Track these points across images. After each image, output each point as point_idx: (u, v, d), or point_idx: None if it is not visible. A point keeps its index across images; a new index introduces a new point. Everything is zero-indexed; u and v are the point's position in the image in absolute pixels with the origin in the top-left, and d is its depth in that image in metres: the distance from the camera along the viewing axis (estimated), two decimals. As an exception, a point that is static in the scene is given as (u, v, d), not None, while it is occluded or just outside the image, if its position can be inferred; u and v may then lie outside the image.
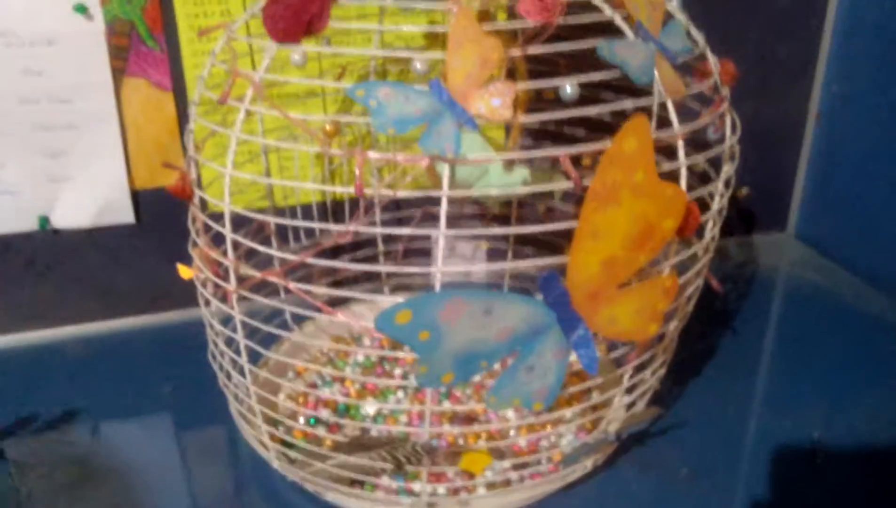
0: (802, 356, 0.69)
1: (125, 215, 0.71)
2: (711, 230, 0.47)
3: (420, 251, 0.75)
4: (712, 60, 0.47)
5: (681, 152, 0.40)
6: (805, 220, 0.90)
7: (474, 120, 0.36)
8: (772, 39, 0.81)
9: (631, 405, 0.53)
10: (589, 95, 0.52)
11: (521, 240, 0.72)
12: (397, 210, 0.74)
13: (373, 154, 0.36)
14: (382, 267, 0.39)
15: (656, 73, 0.39)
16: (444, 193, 0.36)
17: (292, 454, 0.48)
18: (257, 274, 0.41)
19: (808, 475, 0.55)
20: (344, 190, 0.42)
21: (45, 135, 0.67)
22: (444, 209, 0.36)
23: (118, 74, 0.67)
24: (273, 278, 0.41)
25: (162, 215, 0.72)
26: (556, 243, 0.58)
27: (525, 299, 0.37)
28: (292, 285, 0.40)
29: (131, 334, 0.74)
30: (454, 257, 0.79)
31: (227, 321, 0.48)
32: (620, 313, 0.39)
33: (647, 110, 0.43)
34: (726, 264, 0.85)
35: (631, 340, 0.42)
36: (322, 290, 0.40)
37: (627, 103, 0.54)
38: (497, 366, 0.40)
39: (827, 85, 0.84)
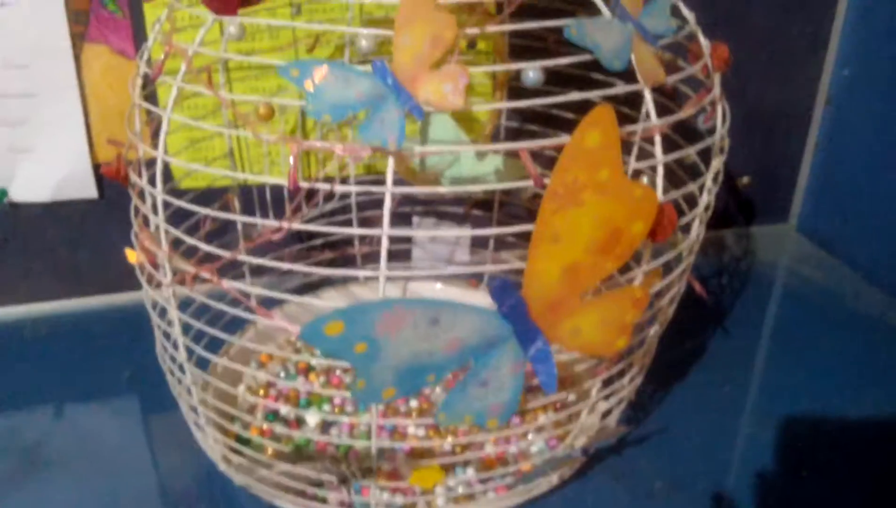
0: (797, 359, 0.64)
1: (87, 189, 0.68)
2: (697, 229, 0.43)
3: (402, 237, 0.71)
4: (704, 44, 0.42)
5: (657, 148, 0.36)
6: (808, 212, 0.85)
7: (421, 108, 0.32)
8: (781, 18, 0.76)
9: (606, 414, 0.49)
10: (578, 74, 0.48)
11: (504, 225, 0.68)
12: (370, 194, 0.69)
13: (308, 143, 0.32)
14: (321, 269, 0.35)
15: (632, 57, 0.35)
16: (388, 189, 0.32)
17: (236, 459, 0.45)
18: (189, 268, 0.38)
19: (793, 488, 0.51)
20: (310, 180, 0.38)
21: (1, 103, 0.64)
22: (387, 207, 0.32)
23: (78, 39, 0.63)
24: (206, 275, 0.37)
25: (126, 190, 0.69)
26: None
27: (477, 309, 0.34)
28: (225, 284, 0.36)
29: (93, 314, 0.70)
30: (437, 242, 0.75)
31: (183, 307, 0.45)
32: (585, 324, 0.35)
33: (638, 94, 0.39)
34: (722, 257, 0.80)
35: (597, 354, 0.38)
36: (256, 290, 0.36)
37: (618, 87, 0.49)
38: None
39: (838, 68, 0.78)
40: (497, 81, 0.55)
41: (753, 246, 0.83)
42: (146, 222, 0.44)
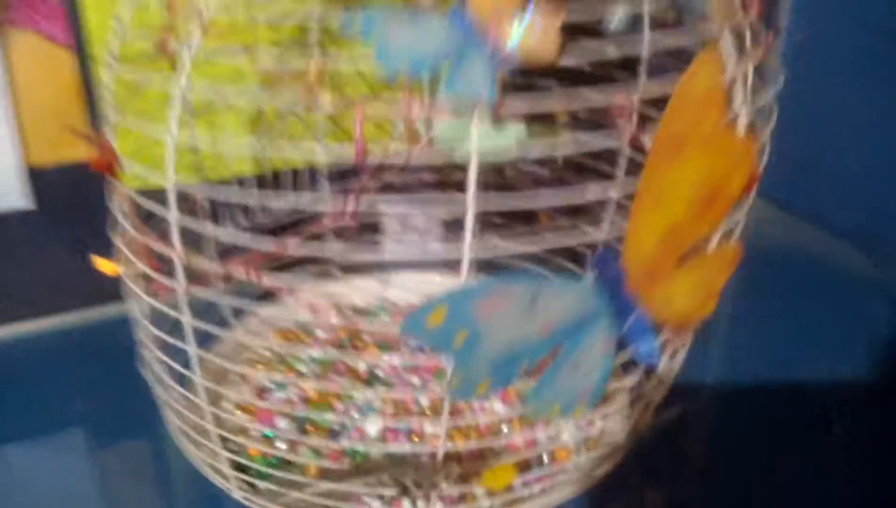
0: (780, 319, 0.65)
1: (20, 198, 0.60)
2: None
3: (370, 226, 0.66)
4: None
5: (740, 96, 0.33)
6: (766, 176, 0.86)
7: (510, 57, 0.28)
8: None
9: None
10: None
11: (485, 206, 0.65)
12: (342, 180, 0.64)
13: (376, 106, 0.28)
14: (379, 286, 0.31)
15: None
16: (474, 158, 0.28)
17: (260, 483, 0.40)
18: (217, 268, 0.32)
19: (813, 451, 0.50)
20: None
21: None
22: (473, 180, 0.28)
23: (2, 27, 0.55)
24: (239, 273, 0.32)
25: (66, 197, 0.61)
26: (527, 213, 0.51)
27: (573, 284, 0.30)
28: (266, 281, 0.31)
29: (32, 339, 0.62)
30: (408, 232, 0.71)
31: (160, 321, 0.39)
32: (677, 291, 0.32)
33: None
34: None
35: (683, 323, 0.35)
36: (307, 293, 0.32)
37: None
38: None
39: (790, 33, 0.79)
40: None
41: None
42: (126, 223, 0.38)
